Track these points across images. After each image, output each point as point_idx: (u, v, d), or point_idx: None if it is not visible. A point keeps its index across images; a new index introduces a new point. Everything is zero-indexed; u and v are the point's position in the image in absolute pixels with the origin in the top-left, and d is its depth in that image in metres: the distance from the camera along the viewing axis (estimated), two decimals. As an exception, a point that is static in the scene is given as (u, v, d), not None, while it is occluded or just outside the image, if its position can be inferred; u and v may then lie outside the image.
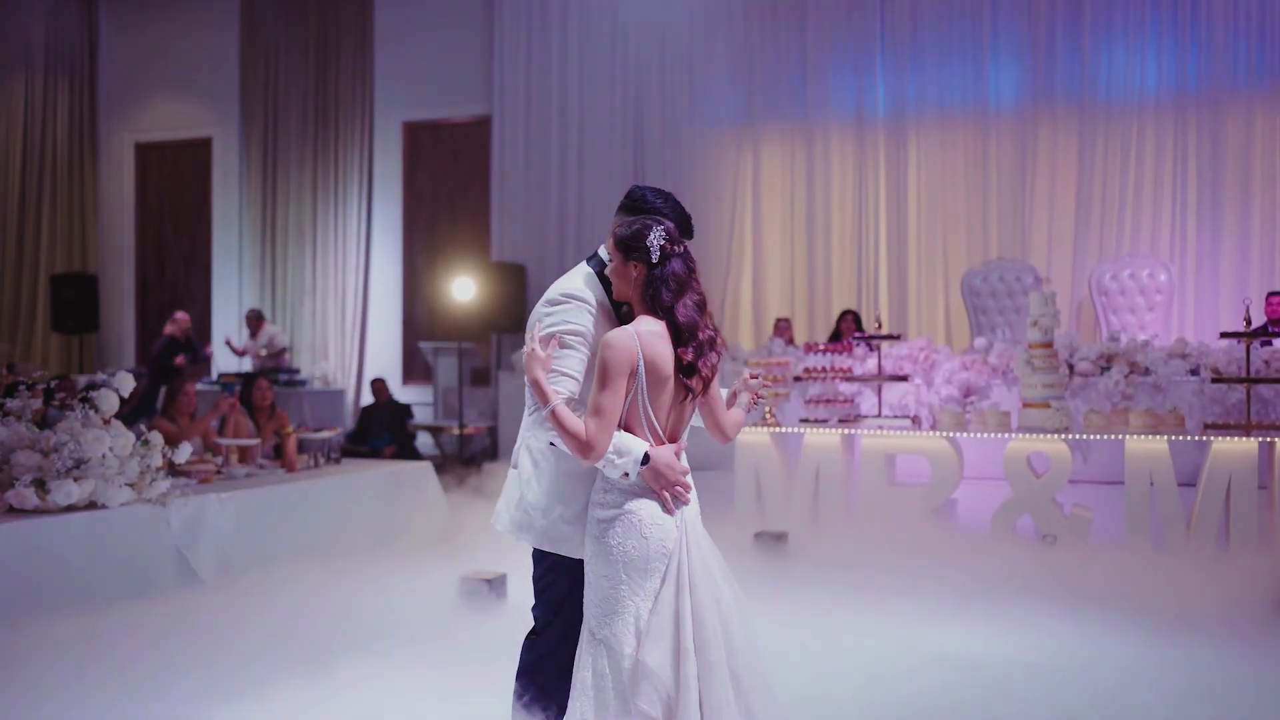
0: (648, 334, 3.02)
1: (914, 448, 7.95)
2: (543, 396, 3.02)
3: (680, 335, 3.04)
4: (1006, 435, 7.69)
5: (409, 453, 11.32)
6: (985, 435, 7.76)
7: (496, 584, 5.83)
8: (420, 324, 13.85)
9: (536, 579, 3.32)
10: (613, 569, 3.04)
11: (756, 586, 6.47)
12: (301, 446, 7.73)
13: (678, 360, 3.04)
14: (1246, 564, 6.89)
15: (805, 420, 8.31)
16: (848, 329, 10.76)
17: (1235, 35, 10.67)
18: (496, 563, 6.19)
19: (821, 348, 8.70)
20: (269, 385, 8.20)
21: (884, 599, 5.93)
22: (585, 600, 3.12)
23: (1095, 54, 11.09)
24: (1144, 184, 10.99)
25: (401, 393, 13.44)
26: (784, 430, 8.30)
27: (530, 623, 3.35)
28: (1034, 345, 7.91)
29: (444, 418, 12.52)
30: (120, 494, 5.54)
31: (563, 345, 3.12)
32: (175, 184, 15.15)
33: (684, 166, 12.47)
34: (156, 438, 5.79)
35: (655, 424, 3.05)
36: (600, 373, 2.99)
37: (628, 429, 3.06)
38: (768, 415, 8.46)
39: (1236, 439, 7.27)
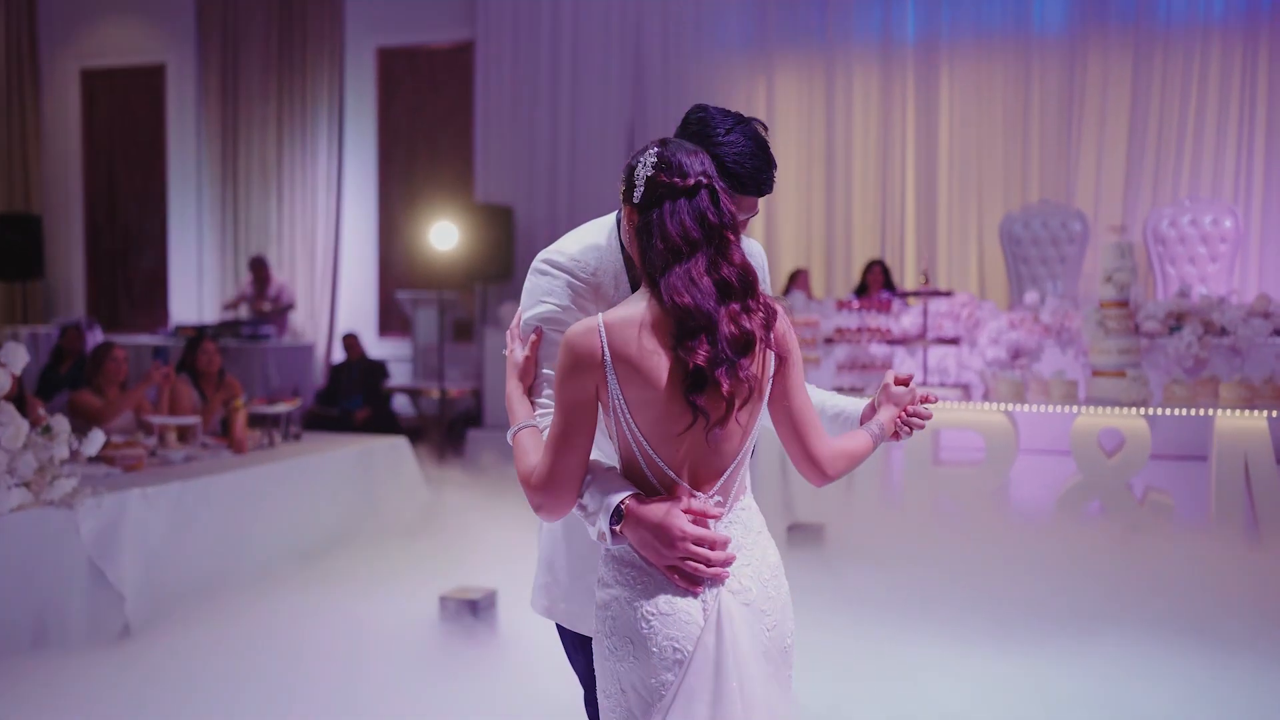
0: (621, 323, 1.97)
1: (965, 421, 6.86)
2: (511, 416, 2.11)
3: (677, 326, 1.94)
4: (1074, 409, 6.62)
5: (384, 417, 10.20)
6: (1051, 408, 6.69)
7: (484, 606, 4.74)
8: (398, 271, 12.65)
9: (580, 674, 2.39)
10: (607, 681, 2.03)
11: (805, 599, 5.45)
12: (255, 421, 6.60)
13: (681, 365, 1.95)
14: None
15: (838, 389, 7.21)
16: (875, 282, 9.63)
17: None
18: (483, 573, 5.10)
19: (856, 304, 7.59)
20: (216, 349, 7.03)
21: (960, 618, 4.89)
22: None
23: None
24: (1206, 119, 9.83)
25: (377, 347, 12.28)
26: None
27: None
28: (1107, 304, 6.83)
29: (423, 378, 11.38)
30: (10, 497, 4.40)
31: (549, 341, 2.15)
32: (125, 116, 13.78)
33: (689, 98, 11.20)
34: (61, 424, 4.63)
35: (656, 461, 1.99)
36: (554, 386, 2.03)
37: (627, 467, 2.03)
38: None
39: (1350, 417, 6.21)
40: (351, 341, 10.85)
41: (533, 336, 2.14)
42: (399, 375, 11.67)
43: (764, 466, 7.15)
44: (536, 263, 2.20)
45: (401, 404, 11.26)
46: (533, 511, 2.01)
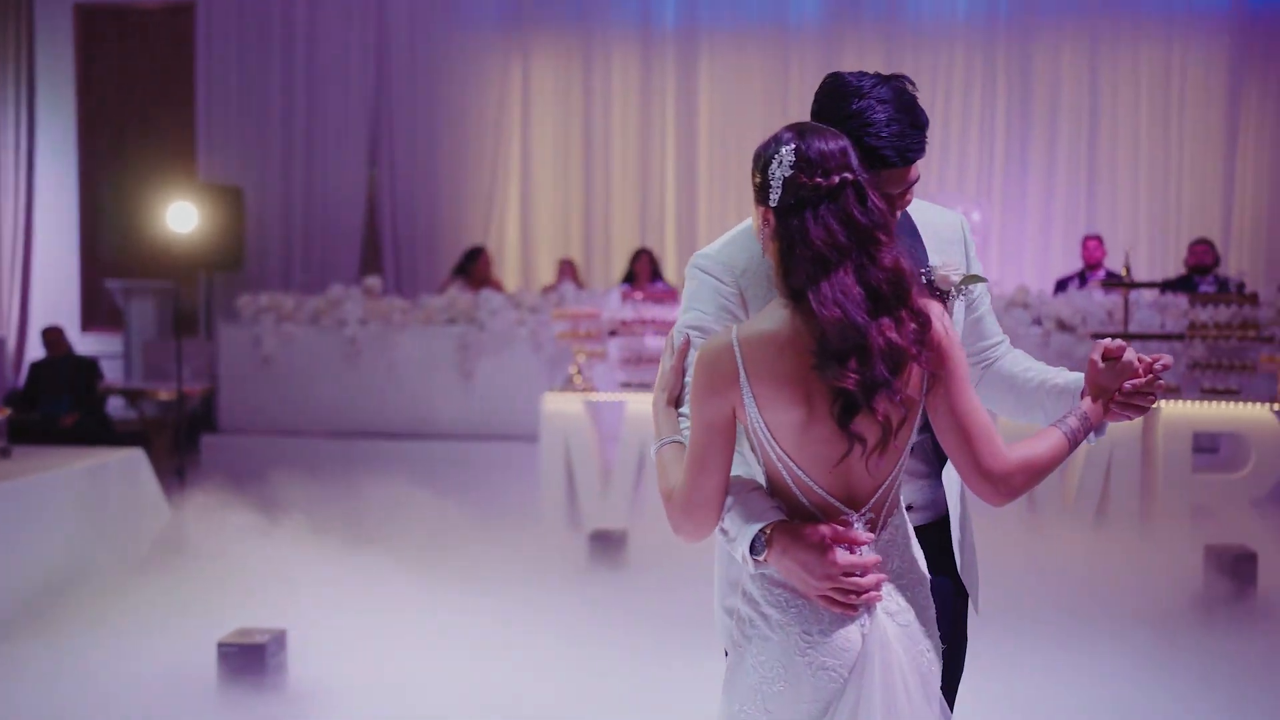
0: (759, 340, 1.80)
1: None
2: (655, 428, 1.97)
3: (823, 343, 1.75)
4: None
5: (97, 423, 8.98)
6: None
7: (273, 651, 4.03)
8: (105, 257, 11.26)
9: None
10: (748, 703, 1.87)
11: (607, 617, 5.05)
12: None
13: (829, 389, 1.76)
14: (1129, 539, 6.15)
15: (627, 385, 6.86)
16: (643, 271, 9.35)
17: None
18: (265, 610, 4.37)
19: (641, 295, 7.25)
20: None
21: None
22: None
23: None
24: (952, 118, 10.20)
25: (81, 343, 10.88)
26: (599, 399, 6.82)
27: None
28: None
29: (141, 377, 10.16)
30: None
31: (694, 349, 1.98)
32: None
33: (437, 76, 10.57)
34: None
35: (809, 483, 1.84)
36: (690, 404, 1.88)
37: (775, 487, 1.88)
38: (575, 378, 6.95)
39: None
40: (55, 336, 9.51)
41: (683, 346, 1.98)
42: (110, 374, 10.37)
43: (548, 464, 6.70)
44: (692, 265, 2.06)
45: (115, 407, 10.00)
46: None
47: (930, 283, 2.03)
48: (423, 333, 8.29)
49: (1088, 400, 1.97)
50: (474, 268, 9.29)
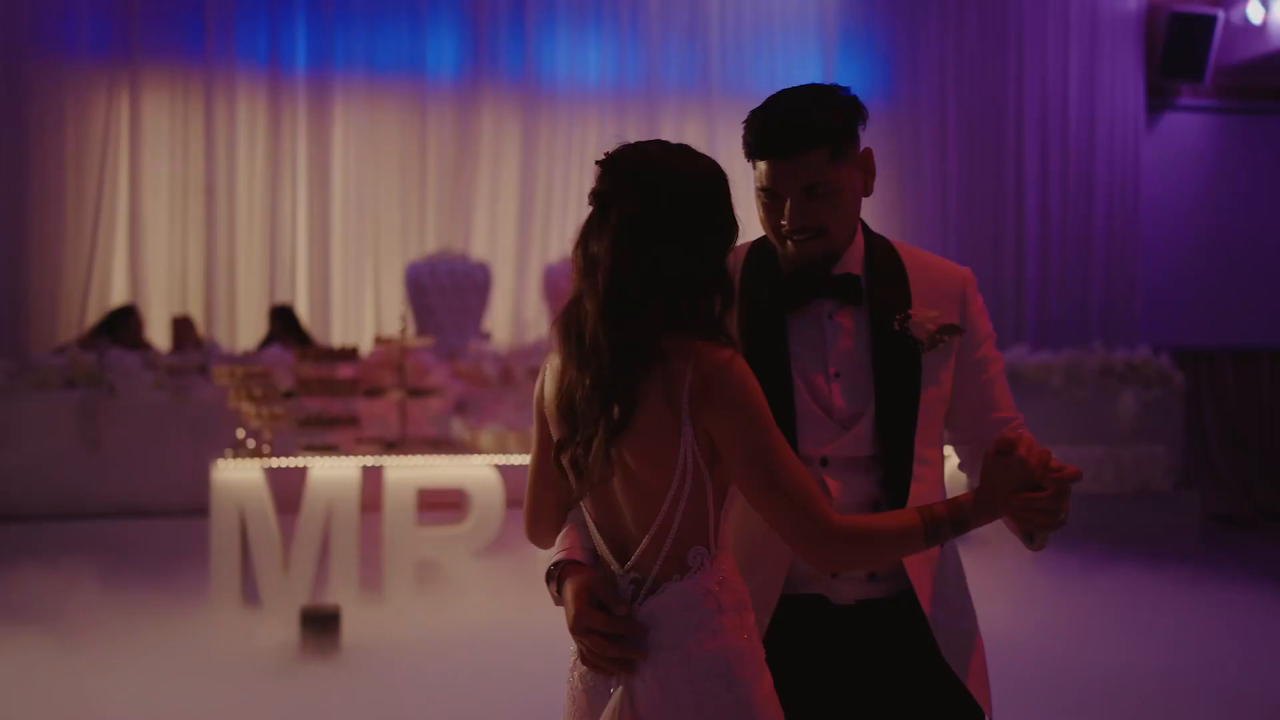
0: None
1: (448, 478, 6.37)
2: None
3: None
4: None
5: None
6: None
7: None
8: None
9: None
10: None
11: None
12: None
13: None
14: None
15: (311, 447, 6.27)
16: (276, 326, 8.70)
17: (667, 36, 10.55)
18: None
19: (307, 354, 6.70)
20: None
21: None
22: None
23: (539, 36, 10.28)
24: (586, 179, 10.42)
25: None
26: (277, 464, 6.19)
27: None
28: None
29: None
30: None
31: None
32: None
33: (29, 108, 9.28)
34: None
35: (588, 515, 1.84)
36: None
37: None
38: (249, 442, 6.28)
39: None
40: None
41: None
42: None
43: (221, 538, 5.96)
44: None
45: None
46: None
47: (904, 330, 1.97)
48: (35, 398, 7.17)
49: (979, 490, 1.74)
50: (124, 330, 8.22)
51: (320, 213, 9.86)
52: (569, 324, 1.74)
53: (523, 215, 10.27)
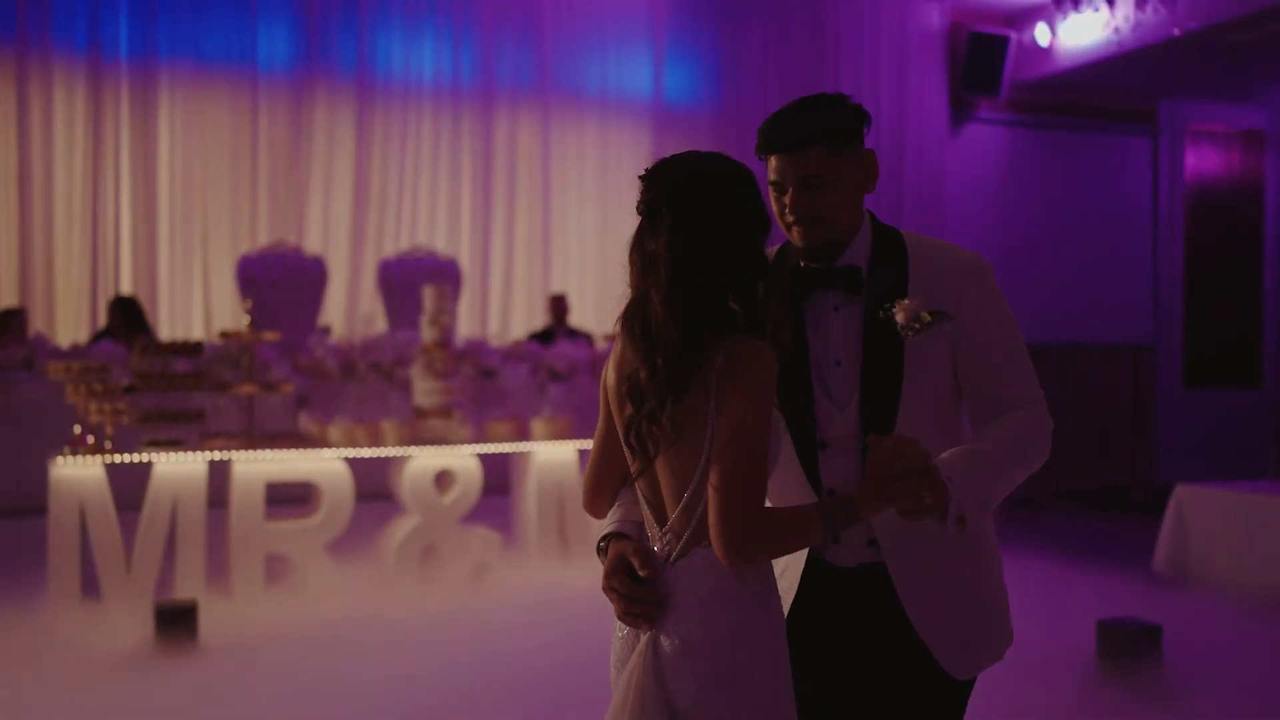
0: None
1: (297, 472, 6.38)
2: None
3: None
4: (408, 452, 6.58)
5: None
6: (385, 452, 6.56)
7: None
8: None
9: None
10: None
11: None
12: None
13: None
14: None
15: (155, 443, 6.16)
16: (116, 319, 8.43)
17: (501, 34, 10.66)
18: None
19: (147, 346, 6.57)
20: None
21: None
22: None
23: (373, 30, 10.25)
24: (421, 176, 10.48)
25: None
26: (120, 460, 6.07)
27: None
28: (430, 346, 6.91)
29: None
30: None
31: None
32: None
33: None
34: None
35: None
36: None
37: None
38: (88, 438, 6.13)
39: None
40: None
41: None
42: None
43: (60, 537, 5.81)
44: None
45: None
46: None
47: (888, 319, 2.10)
48: None
49: (864, 481, 1.91)
50: (6, 333, 7.82)
51: (146, 204, 9.59)
52: (632, 316, 1.95)
53: (357, 210, 10.23)
